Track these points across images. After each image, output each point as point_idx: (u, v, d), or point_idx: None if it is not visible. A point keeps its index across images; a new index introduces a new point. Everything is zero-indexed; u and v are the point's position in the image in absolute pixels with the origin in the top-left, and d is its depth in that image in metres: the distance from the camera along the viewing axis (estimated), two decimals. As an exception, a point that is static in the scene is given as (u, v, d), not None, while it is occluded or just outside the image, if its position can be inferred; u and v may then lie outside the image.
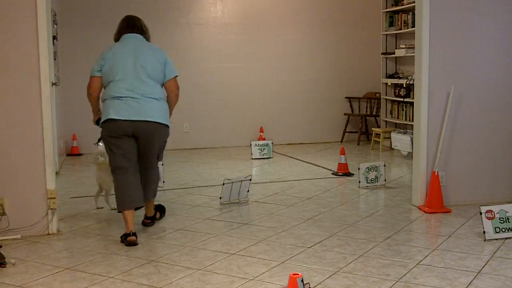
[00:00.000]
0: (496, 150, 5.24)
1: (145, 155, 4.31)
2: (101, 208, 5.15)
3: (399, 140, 7.89)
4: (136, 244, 4.10)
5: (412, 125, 7.72)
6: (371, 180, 6.00)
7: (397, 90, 8.73)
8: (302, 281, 2.73)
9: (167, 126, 4.28)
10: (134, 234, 4.14)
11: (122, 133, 4.15)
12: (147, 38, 4.42)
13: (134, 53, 4.20)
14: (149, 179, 4.43)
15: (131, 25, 4.36)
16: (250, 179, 5.51)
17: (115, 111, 4.11)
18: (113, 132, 4.16)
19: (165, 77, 4.28)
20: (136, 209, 4.28)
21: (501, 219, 4.14)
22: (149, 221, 4.60)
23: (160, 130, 4.24)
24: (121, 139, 4.17)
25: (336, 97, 9.76)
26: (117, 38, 4.37)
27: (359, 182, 5.99)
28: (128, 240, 4.11)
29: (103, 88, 4.29)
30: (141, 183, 4.32)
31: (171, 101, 4.36)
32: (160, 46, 7.88)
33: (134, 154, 4.25)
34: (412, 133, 7.42)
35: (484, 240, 4.11)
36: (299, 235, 4.33)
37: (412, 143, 6.94)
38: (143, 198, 4.34)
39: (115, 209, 4.64)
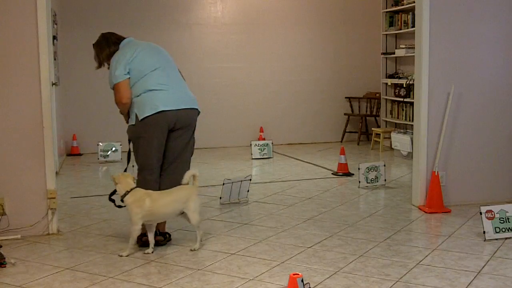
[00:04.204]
0: (496, 150, 5.24)
1: (183, 146, 4.11)
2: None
3: (399, 140, 7.89)
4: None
5: (412, 125, 7.72)
6: (371, 180, 6.00)
7: (397, 90, 8.73)
8: (302, 281, 2.73)
9: (199, 113, 4.25)
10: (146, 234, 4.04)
11: (167, 126, 3.98)
12: None
13: (151, 48, 4.15)
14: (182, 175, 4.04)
15: (119, 35, 4.23)
16: (250, 179, 5.51)
17: (164, 102, 3.94)
18: (160, 125, 3.95)
19: None
20: None
21: (501, 219, 4.14)
22: (162, 238, 4.11)
23: (196, 118, 4.20)
24: (159, 137, 3.99)
25: (336, 97, 9.76)
26: (114, 48, 4.13)
27: (359, 182, 5.99)
28: (143, 240, 4.03)
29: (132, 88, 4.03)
30: (174, 179, 4.06)
31: None
32: (160, 46, 7.82)
33: (162, 153, 4.09)
34: (412, 133, 7.42)
35: (484, 240, 4.11)
36: (299, 235, 4.33)
37: (412, 143, 6.94)
38: None
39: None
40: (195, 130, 4.23)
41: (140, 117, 3.95)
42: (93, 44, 4.27)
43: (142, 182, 4.04)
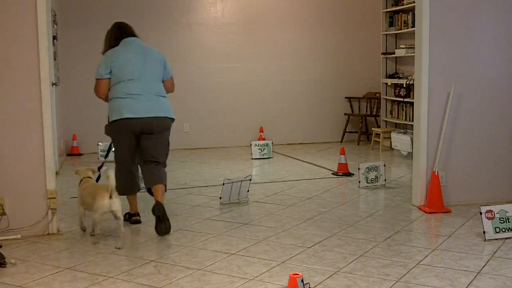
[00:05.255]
0: (496, 150, 5.24)
1: (155, 149, 4.52)
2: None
3: (399, 140, 7.89)
4: (140, 222, 4.66)
5: (412, 125, 7.72)
6: (371, 180, 6.00)
7: (397, 90, 8.73)
8: (302, 281, 2.73)
9: (173, 120, 4.64)
10: (138, 214, 4.71)
11: (132, 131, 4.44)
12: None
13: (141, 55, 4.51)
14: (158, 170, 4.56)
15: (128, 31, 4.64)
16: (250, 179, 5.51)
17: (130, 110, 4.38)
18: (125, 128, 4.43)
19: (164, 76, 4.63)
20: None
21: (501, 219, 4.14)
22: (139, 218, 4.70)
23: (169, 124, 4.59)
24: (125, 138, 4.49)
25: (336, 97, 9.76)
26: (114, 44, 4.57)
27: (359, 182, 5.99)
28: (133, 219, 4.66)
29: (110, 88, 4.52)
30: (150, 173, 4.53)
31: None
32: (160, 46, 8.15)
33: (134, 151, 4.60)
34: (412, 133, 7.42)
35: (484, 240, 4.11)
36: (299, 235, 4.33)
37: (412, 143, 6.94)
38: (157, 181, 4.50)
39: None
40: (168, 136, 4.62)
41: (109, 120, 4.49)
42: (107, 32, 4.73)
43: (116, 172, 4.39)
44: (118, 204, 4.09)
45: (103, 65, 4.45)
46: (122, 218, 4.16)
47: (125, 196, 4.67)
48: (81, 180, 4.41)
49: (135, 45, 4.55)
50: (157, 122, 4.46)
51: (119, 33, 4.59)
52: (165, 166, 4.63)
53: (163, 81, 4.61)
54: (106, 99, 4.53)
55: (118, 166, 4.62)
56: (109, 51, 4.52)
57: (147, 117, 4.41)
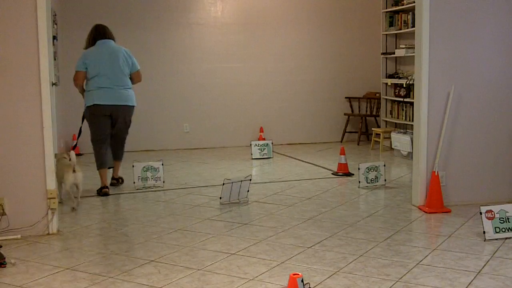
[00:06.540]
0: (496, 150, 5.24)
1: (120, 129, 5.96)
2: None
3: (399, 140, 7.89)
4: (109, 195, 5.75)
5: (412, 125, 7.72)
6: (371, 180, 6.00)
7: (397, 90, 8.73)
8: (302, 281, 2.73)
9: (134, 107, 5.98)
10: (107, 187, 5.82)
11: (103, 114, 5.76)
12: (115, 41, 5.93)
13: (110, 55, 5.74)
14: (121, 146, 6.11)
15: (103, 33, 5.83)
16: (250, 179, 5.51)
17: (100, 98, 5.71)
18: (97, 112, 5.75)
19: (132, 69, 5.89)
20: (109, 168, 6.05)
21: (501, 219, 4.14)
22: (115, 181, 6.16)
23: (132, 110, 5.96)
24: (101, 118, 5.78)
25: (336, 97, 9.76)
26: (92, 43, 5.80)
27: (359, 182, 5.99)
28: (103, 191, 5.76)
29: (86, 80, 5.78)
30: (115, 148, 6.04)
31: (133, 83, 6.01)
32: (160, 46, 8.23)
33: (109, 129, 5.89)
34: (412, 133, 7.42)
35: (484, 240, 4.11)
36: (299, 235, 4.33)
37: (412, 143, 6.94)
38: (117, 158, 6.13)
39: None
40: (130, 119, 6.01)
41: (86, 105, 5.82)
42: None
43: (96, 149, 5.90)
44: (80, 177, 5.16)
45: (80, 61, 5.70)
46: (81, 188, 5.23)
47: (98, 173, 5.92)
48: (58, 160, 5.20)
49: (106, 46, 5.76)
50: (121, 109, 5.80)
51: (96, 34, 5.81)
52: (124, 141, 6.10)
53: (131, 74, 5.87)
54: (81, 87, 5.81)
55: (94, 144, 5.89)
56: (87, 50, 5.78)
57: (114, 105, 5.73)
